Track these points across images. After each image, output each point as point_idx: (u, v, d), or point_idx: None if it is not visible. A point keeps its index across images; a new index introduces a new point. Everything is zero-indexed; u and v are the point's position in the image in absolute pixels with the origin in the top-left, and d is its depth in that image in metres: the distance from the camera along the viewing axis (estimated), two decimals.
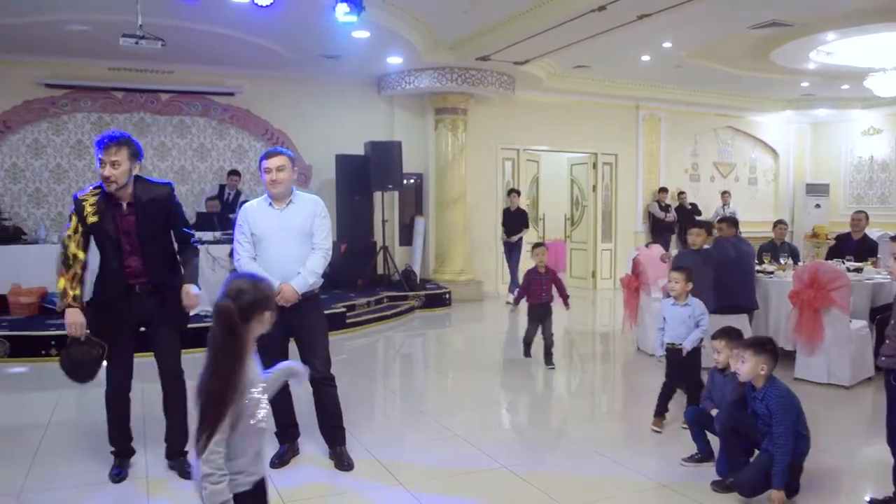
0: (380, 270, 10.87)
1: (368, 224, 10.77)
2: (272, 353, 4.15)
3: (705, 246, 6.26)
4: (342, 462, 4.15)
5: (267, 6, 6.58)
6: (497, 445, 4.57)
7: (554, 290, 7.00)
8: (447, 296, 10.69)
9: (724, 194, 13.78)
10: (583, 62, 10.78)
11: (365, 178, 10.43)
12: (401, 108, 11.59)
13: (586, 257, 13.23)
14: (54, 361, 6.79)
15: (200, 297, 3.98)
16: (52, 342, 7.09)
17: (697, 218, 12.18)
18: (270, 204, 4.11)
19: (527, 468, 4.18)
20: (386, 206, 10.93)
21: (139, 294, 3.88)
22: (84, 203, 3.79)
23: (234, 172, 10.23)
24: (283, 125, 11.00)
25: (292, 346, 4.20)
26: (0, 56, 9.29)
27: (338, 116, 11.18)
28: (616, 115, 13.10)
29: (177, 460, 4.10)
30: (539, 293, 6.94)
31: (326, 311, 4.39)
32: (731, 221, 6.91)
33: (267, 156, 4.07)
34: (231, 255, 4.40)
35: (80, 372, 3.79)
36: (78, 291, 3.78)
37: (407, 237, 11.67)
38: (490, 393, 6.15)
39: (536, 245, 7.31)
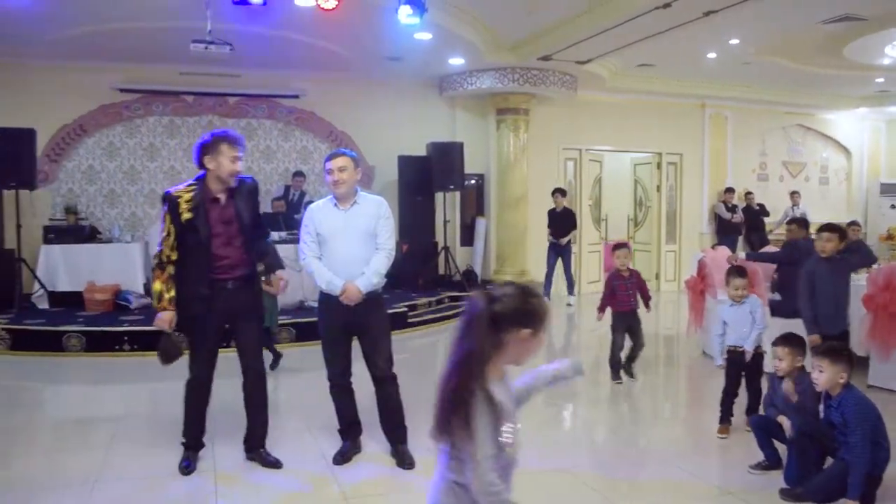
0: (441, 271, 10.93)
1: (430, 224, 10.83)
2: (337, 353, 4.25)
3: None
4: (404, 460, 4.19)
5: (331, 9, 6.71)
6: (556, 446, 4.56)
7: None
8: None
9: (794, 194, 13.41)
10: (646, 60, 10.63)
11: (427, 178, 10.51)
12: (462, 108, 11.62)
13: (650, 259, 13.04)
14: (127, 356, 7.14)
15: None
16: (125, 338, 7.36)
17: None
18: (335, 204, 4.17)
19: (587, 470, 4.16)
20: (447, 207, 10.98)
21: (231, 290, 3.99)
22: (179, 199, 3.90)
23: (298, 173, 10.42)
24: (346, 127, 11.16)
25: (355, 345, 4.26)
26: (78, 63, 9.68)
27: (400, 118, 11.28)
28: (681, 113, 12.88)
29: (257, 452, 4.22)
30: (626, 299, 6.27)
31: (388, 311, 4.43)
32: (802, 222, 6.74)
33: (330, 157, 4.15)
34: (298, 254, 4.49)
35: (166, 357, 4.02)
36: (172, 293, 3.92)
37: (468, 238, 11.71)
38: (549, 394, 6.12)
39: (619, 245, 6.64)
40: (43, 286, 8.79)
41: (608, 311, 6.34)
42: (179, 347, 4.00)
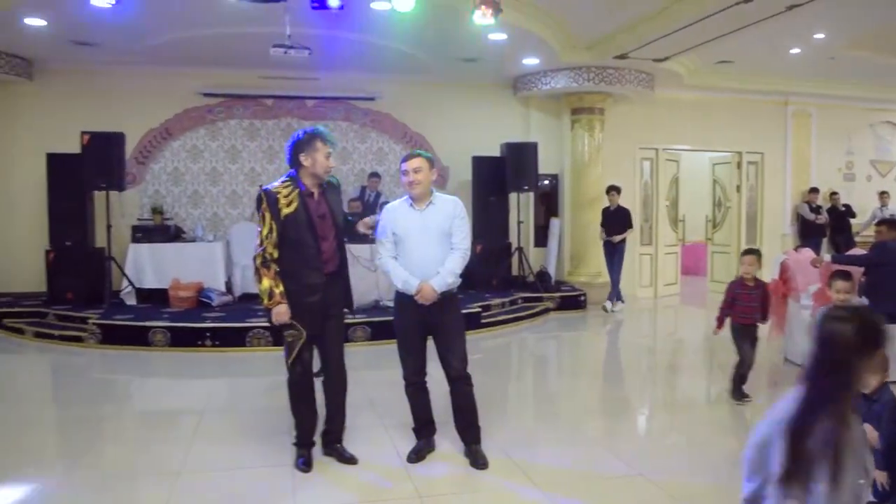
0: (514, 271, 10.90)
1: (504, 225, 10.82)
2: (412, 352, 4.30)
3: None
4: (477, 460, 4.20)
5: (407, 11, 6.78)
6: (632, 451, 4.50)
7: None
8: (582, 298, 10.58)
9: (883, 194, 12.85)
10: (726, 57, 10.36)
11: (501, 179, 10.50)
12: (537, 108, 11.58)
13: (729, 261, 12.70)
14: (209, 351, 7.36)
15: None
16: (207, 334, 7.60)
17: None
18: (411, 205, 4.22)
19: (663, 476, 4.08)
20: (521, 207, 10.95)
21: (329, 282, 4.09)
22: (278, 195, 4.01)
23: (374, 174, 10.56)
24: (421, 128, 11.25)
25: (430, 345, 4.30)
26: (164, 69, 10.07)
27: (474, 118, 11.31)
28: (762, 111, 12.51)
29: (333, 448, 4.31)
30: (748, 311, 5.68)
31: (463, 311, 4.46)
32: (892, 224, 6.48)
33: (406, 158, 4.20)
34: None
35: (287, 352, 4.12)
36: (282, 288, 4.01)
37: (542, 238, 11.65)
38: (625, 398, 6.05)
39: (747, 252, 5.92)
40: (131, 283, 9.15)
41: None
42: (301, 332, 4.06)
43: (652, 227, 12.12)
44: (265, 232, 3.99)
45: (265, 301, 4.02)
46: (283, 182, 4.08)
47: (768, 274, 9.23)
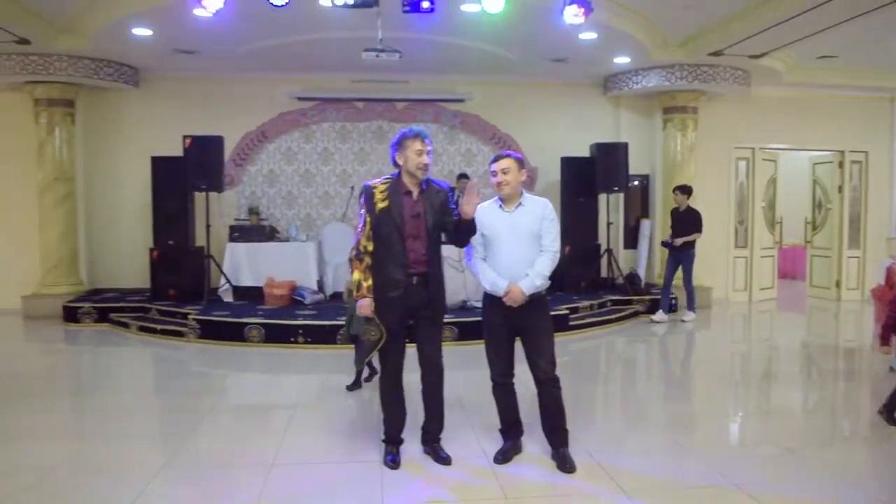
0: (603, 273, 10.77)
1: (593, 226, 10.70)
2: (499, 353, 4.31)
3: None
4: (565, 464, 4.17)
5: (497, 13, 6.81)
6: (726, 461, 4.37)
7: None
8: (674, 301, 10.36)
9: None
10: (828, 52, 9.93)
11: (590, 179, 10.40)
12: (627, 108, 11.40)
13: (829, 265, 12.19)
14: (302, 348, 7.56)
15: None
16: (300, 331, 7.82)
17: None
18: (500, 206, 4.24)
19: (758, 488, 3.93)
20: (611, 209, 10.81)
21: (414, 284, 4.15)
22: (374, 189, 4.17)
23: (463, 176, 10.60)
24: (509, 129, 11.26)
25: (518, 346, 4.30)
26: (261, 74, 10.44)
27: (563, 119, 11.24)
28: (866, 108, 11.93)
29: (431, 446, 4.37)
30: None
31: (550, 313, 4.43)
32: None
33: (495, 159, 4.23)
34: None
35: (359, 349, 4.25)
36: (370, 282, 4.14)
37: (632, 240, 11.47)
38: (719, 405, 5.89)
39: None
40: (228, 281, 9.51)
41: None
42: (370, 338, 4.16)
43: (747, 230, 11.74)
44: (361, 225, 4.16)
45: (354, 293, 4.18)
46: (384, 179, 4.23)
47: (872, 279, 8.85)
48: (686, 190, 9.72)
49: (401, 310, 4.15)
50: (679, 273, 9.66)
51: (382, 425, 4.40)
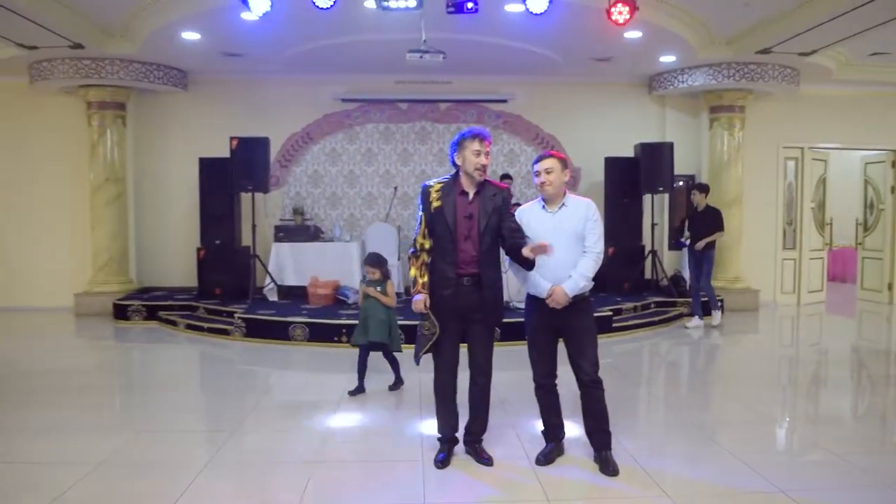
0: (647, 275, 10.66)
1: (637, 227, 10.60)
2: (542, 354, 4.30)
3: None
4: (607, 467, 4.14)
5: (541, 13, 6.79)
6: (772, 467, 4.30)
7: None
8: (719, 304, 10.20)
9: None
10: (881, 48, 9.68)
11: (634, 180, 10.31)
12: (672, 107, 11.27)
13: (881, 267, 11.89)
14: (345, 347, 7.62)
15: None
16: (343, 330, 7.88)
17: None
18: (544, 207, 4.23)
19: (806, 495, 3.85)
20: (655, 209, 10.70)
21: (465, 285, 4.17)
22: (430, 189, 4.25)
23: (506, 176, 10.60)
24: (552, 129, 11.21)
25: (561, 348, 4.29)
26: (306, 76, 10.57)
27: (607, 119, 11.16)
28: None
29: (473, 447, 4.38)
30: None
31: (594, 314, 4.40)
32: None
33: (538, 159, 4.24)
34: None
35: (416, 346, 4.30)
36: (426, 279, 4.23)
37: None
38: (765, 410, 5.78)
39: None
40: (273, 280, 9.63)
41: None
42: (423, 333, 4.23)
43: (796, 231, 11.51)
44: (418, 224, 4.27)
45: (411, 288, 4.28)
46: (442, 179, 4.31)
47: None
48: (704, 189, 9.37)
49: (452, 309, 4.18)
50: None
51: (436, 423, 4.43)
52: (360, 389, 5.93)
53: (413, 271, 4.27)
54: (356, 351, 6.07)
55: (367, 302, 5.87)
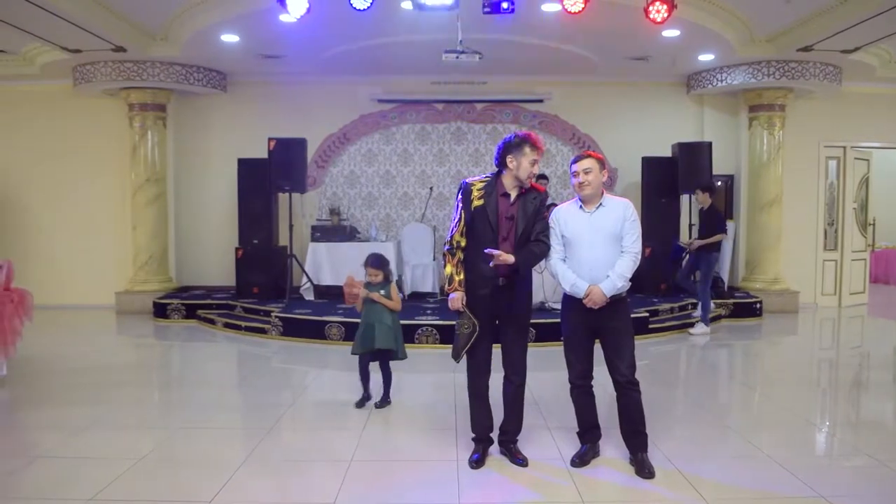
0: None
1: (674, 227, 10.48)
2: (578, 355, 4.28)
3: None
4: (643, 469, 4.10)
5: (578, 13, 6.76)
6: (812, 471, 4.21)
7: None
8: (758, 305, 10.06)
9: None
10: None
11: (672, 180, 10.20)
12: (711, 107, 11.13)
13: None
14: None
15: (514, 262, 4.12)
16: None
17: None
18: (581, 207, 4.20)
19: (845, 501, 3.77)
20: (693, 210, 10.58)
21: (500, 286, 4.17)
22: (472, 187, 4.23)
23: (542, 176, 10.54)
24: (589, 129, 11.15)
25: (597, 349, 4.27)
26: (343, 77, 10.66)
27: (644, 118, 11.07)
28: None
29: (508, 447, 4.37)
30: None
31: (631, 315, 4.37)
32: None
33: (576, 159, 4.20)
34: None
35: (455, 344, 4.26)
36: (462, 276, 4.22)
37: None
38: (805, 413, 5.69)
39: None
40: (310, 280, 9.72)
41: None
42: (462, 332, 4.21)
43: (837, 232, 11.31)
44: (456, 220, 4.25)
45: (446, 286, 4.26)
46: (483, 177, 4.28)
47: None
48: (708, 188, 8.92)
49: (489, 308, 4.19)
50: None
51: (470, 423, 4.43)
52: (367, 398, 5.60)
53: (449, 268, 4.25)
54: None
55: (371, 307, 5.52)
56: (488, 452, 4.40)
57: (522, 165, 4.12)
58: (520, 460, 4.29)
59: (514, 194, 4.19)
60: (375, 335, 5.45)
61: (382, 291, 5.54)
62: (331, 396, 6.28)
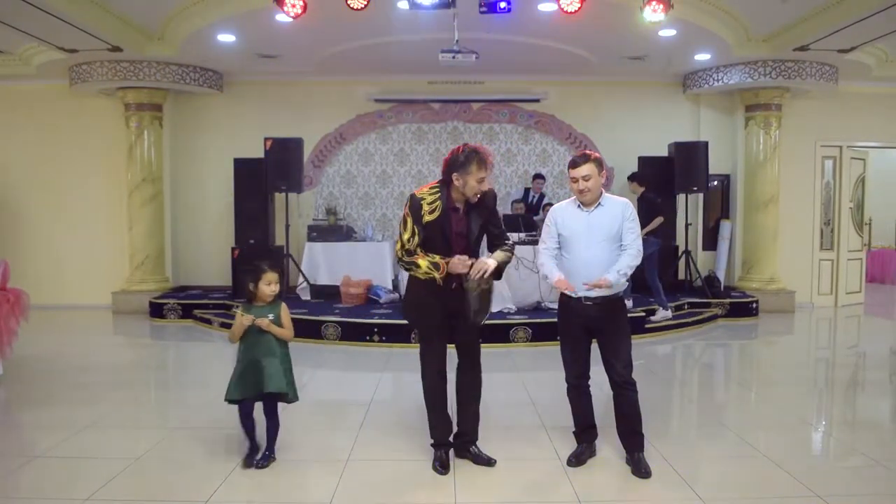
0: (681, 275, 10.56)
1: (670, 227, 10.49)
2: (575, 354, 4.28)
3: None
4: (639, 469, 4.09)
5: (574, 12, 6.76)
6: (808, 471, 4.21)
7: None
8: (754, 305, 10.08)
9: None
10: None
11: (668, 180, 10.19)
12: (707, 106, 11.14)
13: None
14: (377, 346, 7.65)
15: (491, 267, 3.99)
16: (375, 329, 7.92)
17: None
18: (579, 206, 4.17)
19: (842, 500, 3.77)
20: (689, 209, 10.60)
21: (453, 289, 4.05)
22: (423, 201, 4.03)
23: (538, 176, 10.57)
24: (586, 129, 11.15)
25: (594, 348, 4.27)
26: (339, 77, 10.68)
27: (640, 118, 11.08)
28: None
29: (468, 450, 4.31)
30: None
31: (627, 315, 4.37)
32: None
33: (573, 164, 4.10)
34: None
35: (480, 306, 4.05)
36: (435, 258, 4.00)
37: (711, 241, 11.21)
38: (801, 413, 5.70)
39: None
40: (306, 279, 9.71)
41: None
42: (482, 289, 4.00)
43: (833, 231, 11.33)
44: (406, 236, 4.04)
45: (436, 275, 3.99)
46: (431, 189, 4.09)
47: None
48: (635, 177, 9.30)
49: (440, 311, 4.11)
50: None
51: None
52: (255, 448, 4.30)
53: (423, 262, 4.00)
54: (389, 349, 6.01)
55: (255, 339, 4.21)
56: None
57: (469, 184, 3.96)
58: (486, 460, 4.24)
59: (462, 207, 4.08)
60: (265, 376, 4.15)
61: (271, 316, 4.26)
62: (327, 396, 6.27)
